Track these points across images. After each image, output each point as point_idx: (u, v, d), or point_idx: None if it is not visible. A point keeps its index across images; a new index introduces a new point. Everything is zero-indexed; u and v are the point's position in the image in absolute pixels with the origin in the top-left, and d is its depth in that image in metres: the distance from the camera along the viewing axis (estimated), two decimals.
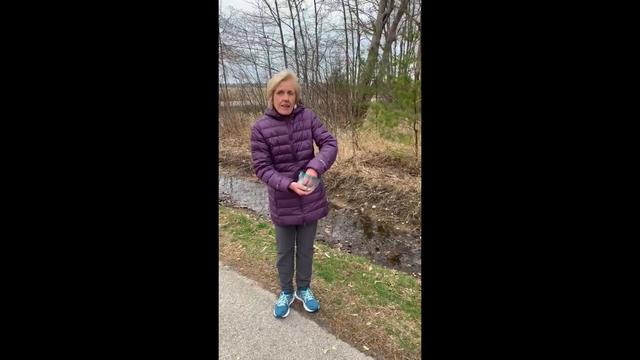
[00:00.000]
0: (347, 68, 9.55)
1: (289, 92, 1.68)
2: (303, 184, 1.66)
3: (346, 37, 9.86)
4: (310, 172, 1.66)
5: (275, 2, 14.89)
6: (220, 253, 2.90)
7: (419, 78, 5.52)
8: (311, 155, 1.82)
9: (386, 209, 4.33)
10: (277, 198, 1.85)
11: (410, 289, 2.32)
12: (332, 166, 4.89)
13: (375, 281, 2.41)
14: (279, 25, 10.42)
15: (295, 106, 1.76)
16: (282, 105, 1.69)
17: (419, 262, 3.09)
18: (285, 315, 2.04)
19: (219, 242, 3.09)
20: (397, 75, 6.22)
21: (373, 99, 8.16)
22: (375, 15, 9.72)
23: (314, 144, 1.85)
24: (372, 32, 8.99)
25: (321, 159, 1.69)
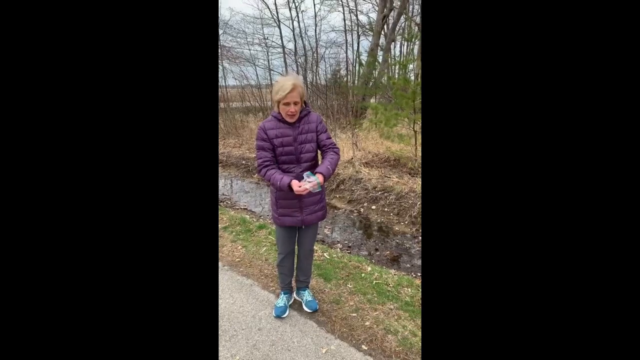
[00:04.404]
0: (346, 69, 9.59)
1: (295, 103, 1.70)
2: (307, 182, 1.67)
3: (345, 38, 9.94)
4: (319, 177, 1.69)
5: (275, 4, 14.89)
6: (220, 254, 2.91)
7: (419, 79, 5.53)
8: (314, 158, 1.84)
9: (386, 209, 4.34)
10: (278, 198, 1.87)
11: (409, 289, 2.32)
12: None
13: (374, 281, 2.42)
14: (279, 27, 10.47)
15: (301, 109, 1.78)
16: (288, 115, 1.73)
17: (418, 262, 3.09)
18: (284, 316, 2.05)
19: (219, 243, 3.11)
20: (396, 76, 6.23)
21: (372, 100, 8.16)
22: (374, 16, 9.74)
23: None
24: (372, 33, 9.01)
25: (328, 166, 1.74)
